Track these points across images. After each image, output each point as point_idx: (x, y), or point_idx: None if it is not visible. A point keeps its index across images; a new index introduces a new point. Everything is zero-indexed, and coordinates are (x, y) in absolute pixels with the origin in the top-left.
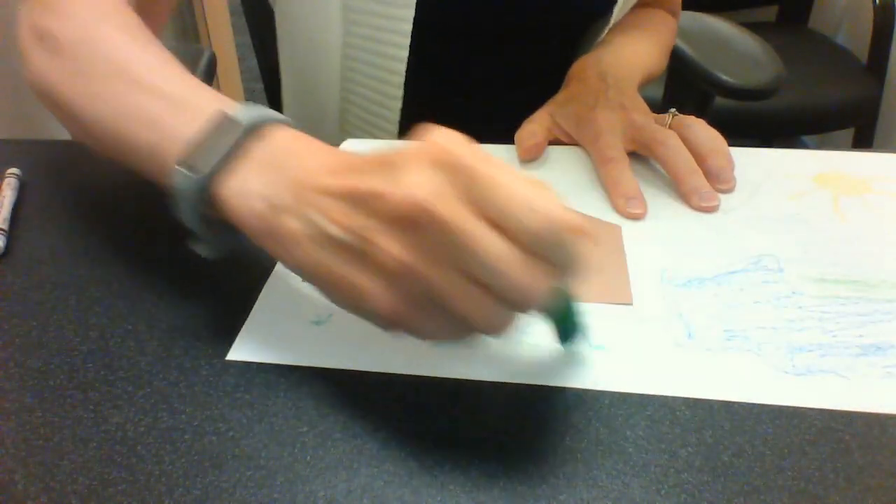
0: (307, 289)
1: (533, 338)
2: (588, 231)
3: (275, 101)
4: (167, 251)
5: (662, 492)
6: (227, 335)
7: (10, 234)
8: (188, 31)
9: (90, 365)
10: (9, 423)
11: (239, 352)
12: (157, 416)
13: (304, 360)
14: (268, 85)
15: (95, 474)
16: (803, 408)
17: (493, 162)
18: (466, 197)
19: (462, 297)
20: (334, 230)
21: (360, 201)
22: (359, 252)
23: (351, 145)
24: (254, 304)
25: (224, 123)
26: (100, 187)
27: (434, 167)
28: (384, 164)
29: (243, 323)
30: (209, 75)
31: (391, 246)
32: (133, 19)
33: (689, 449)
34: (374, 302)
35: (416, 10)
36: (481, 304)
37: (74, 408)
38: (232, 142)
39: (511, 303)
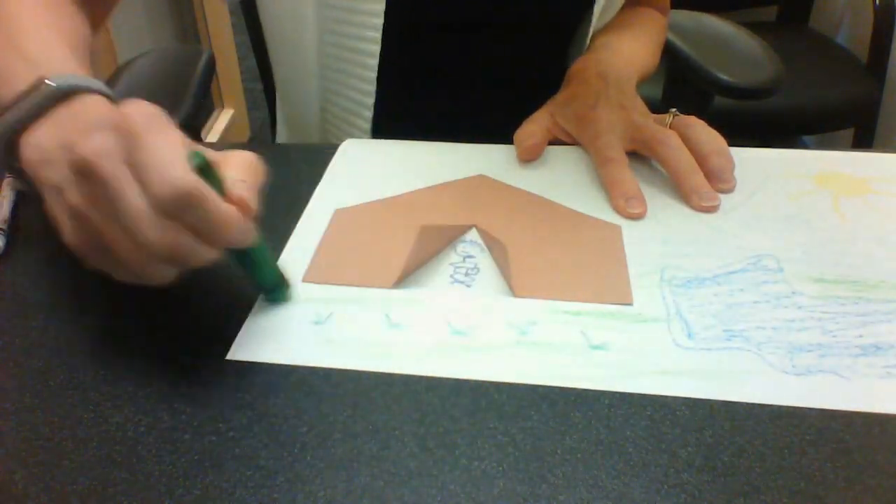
0: (307, 289)
1: (533, 338)
2: (240, 201)
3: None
4: None
5: (662, 492)
6: (227, 335)
7: (10, 234)
8: (188, 31)
9: (90, 365)
10: (9, 423)
11: (238, 352)
12: (157, 416)
13: (304, 359)
14: (267, 85)
15: (95, 474)
16: (803, 408)
17: (163, 132)
18: (128, 159)
19: (116, 243)
20: (53, 178)
21: (66, 154)
22: (62, 196)
23: (351, 146)
24: (254, 303)
25: (37, 85)
26: None
27: (113, 129)
28: (97, 127)
29: (243, 323)
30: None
31: (70, 192)
32: None
33: (689, 449)
34: (67, 237)
35: (387, 4)
36: (131, 251)
37: (74, 408)
38: (36, 101)
39: (148, 253)
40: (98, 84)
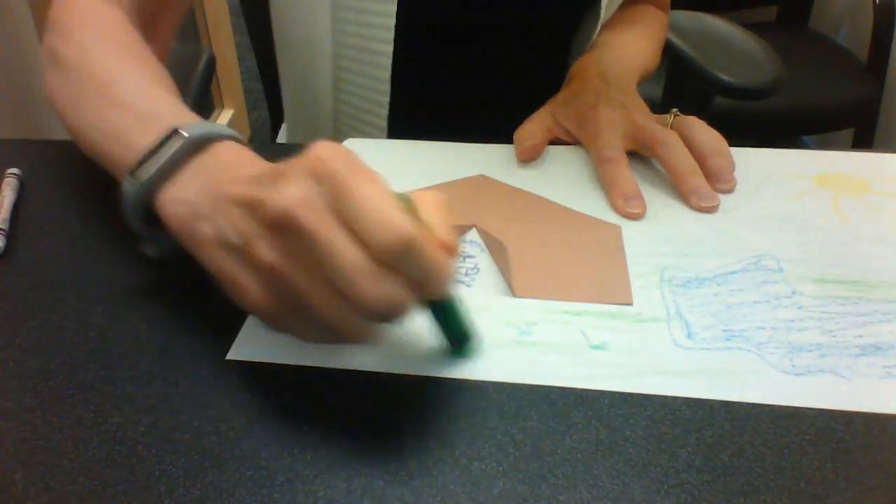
0: None
1: (532, 338)
2: (448, 247)
3: (274, 101)
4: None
5: (662, 492)
6: (228, 335)
7: (10, 234)
8: (188, 31)
9: (90, 365)
10: (9, 423)
11: (238, 351)
12: (157, 416)
13: (303, 360)
14: (267, 85)
15: (95, 474)
16: (803, 408)
17: (365, 175)
18: (333, 207)
19: (320, 302)
20: (229, 233)
21: (249, 208)
22: (246, 255)
23: (351, 145)
24: None
25: (171, 137)
26: (100, 187)
27: (309, 178)
28: (274, 174)
29: (243, 323)
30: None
31: (263, 249)
32: (129, 38)
33: (689, 449)
34: (251, 298)
35: (401, 5)
36: (338, 309)
37: (74, 408)
38: (173, 153)
39: (364, 310)
40: (229, 130)
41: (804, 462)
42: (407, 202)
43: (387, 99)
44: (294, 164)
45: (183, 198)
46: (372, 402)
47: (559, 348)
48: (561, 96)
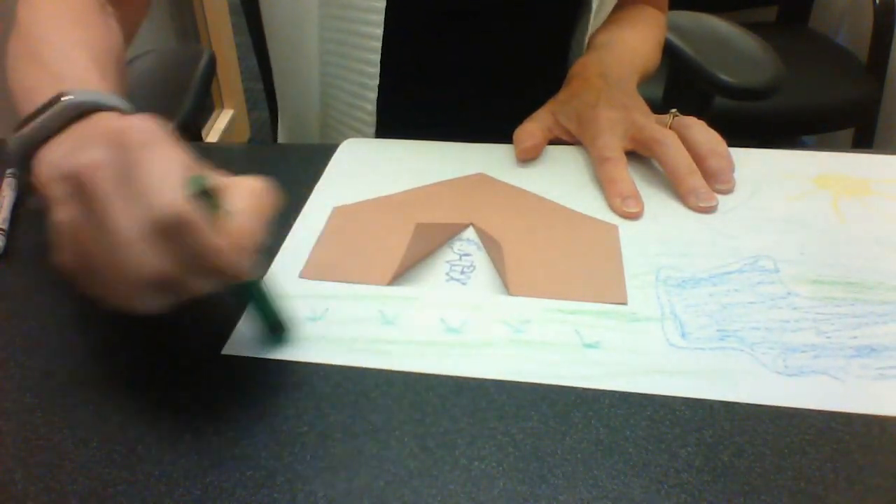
0: (304, 285)
1: (526, 336)
2: (241, 234)
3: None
4: None
5: (662, 492)
6: (228, 335)
7: (10, 234)
8: (188, 31)
9: (90, 365)
10: (9, 423)
11: (234, 347)
12: (157, 416)
13: (300, 355)
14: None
15: (95, 474)
16: (803, 408)
17: (162, 150)
18: (123, 175)
19: (104, 265)
20: (56, 194)
21: (58, 169)
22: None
23: (350, 145)
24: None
25: (55, 101)
26: None
27: (108, 144)
28: (91, 140)
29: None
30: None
31: (59, 207)
32: (81, 2)
33: (689, 449)
34: (58, 254)
35: None
36: (117, 274)
37: (74, 408)
38: (50, 116)
39: (130, 275)
40: (117, 100)
41: (804, 462)
42: (199, 183)
43: (375, 94)
44: (105, 132)
45: (49, 160)
46: (372, 402)
47: (553, 347)
48: (561, 96)
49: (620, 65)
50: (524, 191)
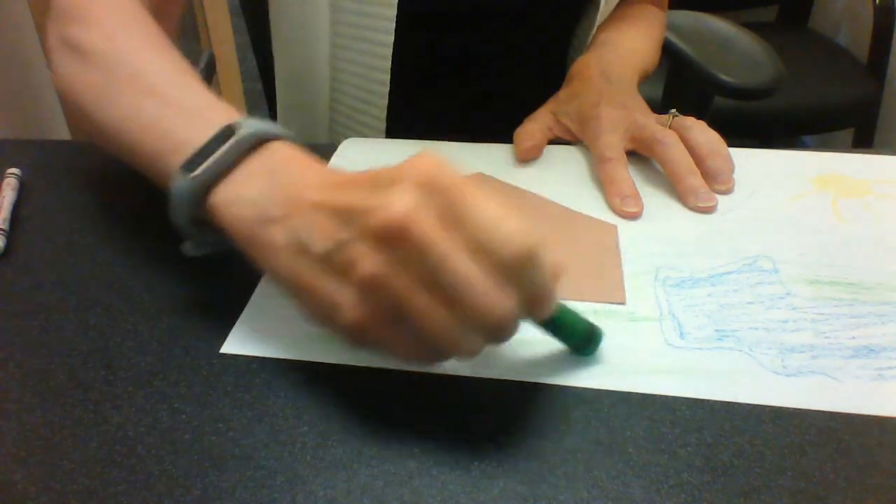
0: None
1: (524, 335)
2: (557, 262)
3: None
4: (167, 251)
5: (662, 492)
6: (226, 332)
7: (10, 234)
8: (188, 31)
9: (90, 365)
10: (9, 423)
11: (233, 345)
12: (157, 416)
13: (298, 354)
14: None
15: (95, 474)
16: (802, 408)
17: (473, 186)
18: (445, 218)
19: (429, 315)
20: (316, 242)
21: (346, 216)
22: (336, 264)
23: (352, 145)
24: (249, 298)
25: (226, 133)
26: (100, 187)
27: (417, 187)
28: (373, 182)
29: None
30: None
31: (366, 259)
32: (151, 25)
33: (689, 449)
34: (343, 312)
35: (399, 2)
36: (447, 323)
37: (74, 408)
38: (228, 150)
39: (477, 322)
40: (281, 129)
41: (804, 462)
42: None
43: (385, 100)
44: (394, 172)
45: (247, 198)
46: (372, 402)
47: (551, 346)
48: (562, 95)
49: (621, 64)
50: (524, 190)
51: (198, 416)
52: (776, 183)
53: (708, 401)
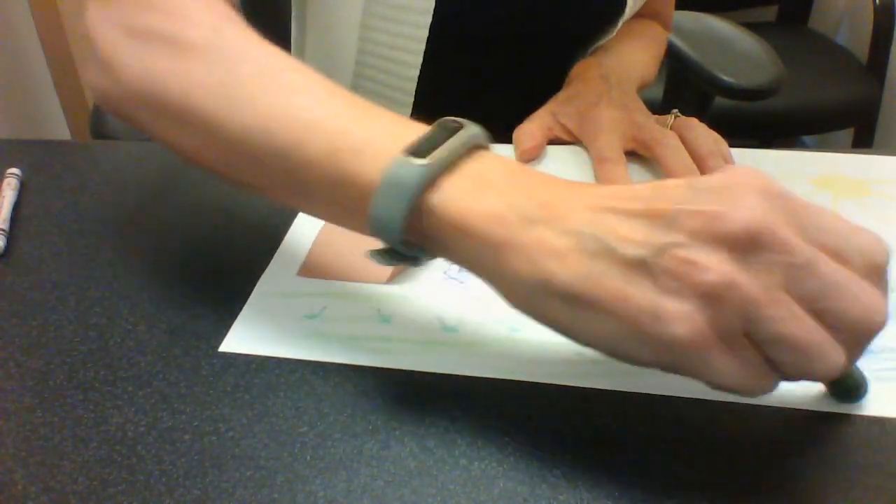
0: (302, 283)
1: (523, 334)
2: None
3: None
4: (167, 251)
5: (662, 492)
6: (226, 331)
7: (10, 234)
8: None
9: (90, 365)
10: (9, 423)
11: (231, 344)
12: (157, 416)
13: (297, 353)
14: None
15: (95, 474)
16: (801, 408)
17: (792, 193)
18: (792, 224)
19: (794, 323)
20: (623, 246)
21: (664, 220)
22: (660, 271)
23: None
24: (248, 297)
25: (452, 126)
26: (100, 187)
27: (762, 194)
28: (691, 188)
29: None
30: None
31: (712, 263)
32: (236, 15)
33: (689, 449)
34: (671, 325)
35: (436, 14)
36: (815, 332)
37: (74, 408)
38: (464, 142)
39: (848, 330)
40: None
41: (804, 462)
42: None
43: (408, 111)
44: (715, 181)
45: (491, 195)
46: (372, 402)
47: (549, 346)
48: (562, 96)
49: (621, 69)
50: None
51: (198, 416)
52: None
53: (708, 401)
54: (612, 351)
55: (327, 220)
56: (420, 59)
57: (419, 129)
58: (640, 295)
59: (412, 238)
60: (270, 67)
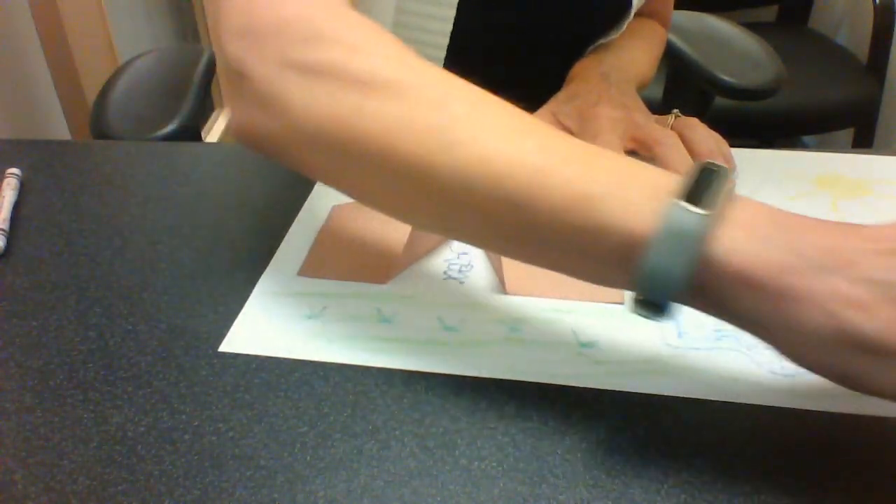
0: (302, 283)
1: (522, 335)
2: None
3: None
4: (167, 251)
5: (662, 492)
6: (225, 331)
7: (10, 234)
8: (188, 31)
9: (90, 365)
10: (9, 423)
11: (231, 344)
12: (157, 416)
13: (297, 353)
14: None
15: (95, 474)
16: (800, 408)
17: None
18: None
19: None
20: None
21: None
22: None
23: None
24: (248, 297)
25: (713, 169)
26: (100, 187)
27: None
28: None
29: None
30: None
31: None
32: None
33: (689, 449)
34: None
35: (457, 18)
36: None
37: (74, 408)
38: (731, 187)
39: None
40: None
41: (804, 462)
42: None
43: None
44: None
45: (767, 244)
46: (372, 402)
47: (549, 346)
48: (562, 95)
49: (620, 68)
50: None
51: (198, 416)
52: (776, 183)
53: (707, 401)
54: None
55: (564, 270)
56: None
57: (666, 176)
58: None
59: (686, 292)
60: (484, 108)
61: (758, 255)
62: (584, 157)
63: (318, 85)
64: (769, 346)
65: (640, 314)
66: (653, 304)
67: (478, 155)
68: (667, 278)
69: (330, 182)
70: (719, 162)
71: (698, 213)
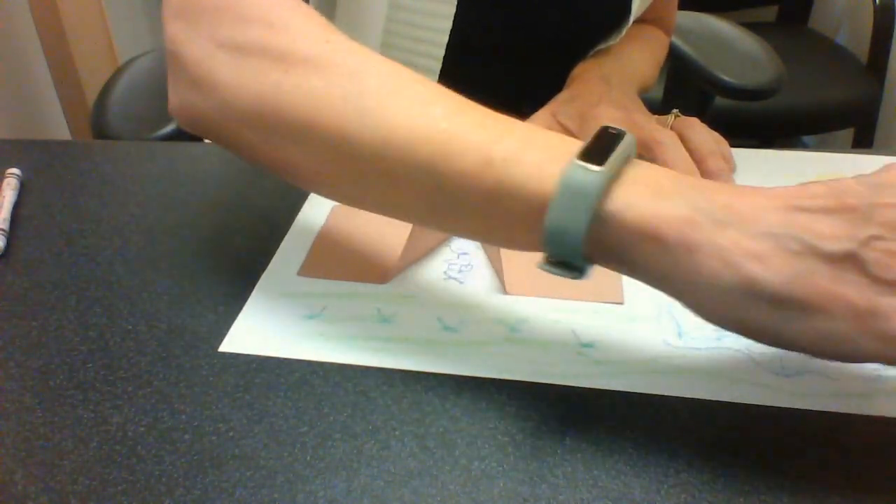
0: (302, 283)
1: (522, 335)
2: None
3: None
4: (167, 251)
5: (662, 492)
6: (226, 331)
7: (10, 234)
8: None
9: (90, 365)
10: (9, 423)
11: (231, 344)
12: (157, 416)
13: (297, 353)
14: None
15: (95, 474)
16: (801, 408)
17: None
18: None
19: None
20: (829, 243)
21: (856, 216)
22: (866, 264)
23: None
24: (248, 297)
25: (612, 132)
26: (100, 187)
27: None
28: (875, 185)
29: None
30: None
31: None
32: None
33: (689, 449)
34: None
35: (455, 23)
36: None
37: (74, 408)
38: (629, 147)
39: None
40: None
41: (804, 462)
42: None
43: None
44: (886, 177)
45: (667, 199)
46: (372, 402)
47: (549, 346)
48: (562, 97)
49: (621, 71)
50: None
51: (198, 416)
52: (776, 183)
53: (708, 401)
54: (825, 351)
55: (476, 235)
56: (439, 66)
57: (569, 140)
58: (854, 291)
59: (589, 249)
60: (396, 79)
61: (657, 210)
62: (490, 123)
63: (244, 63)
64: (677, 301)
65: (552, 272)
66: (565, 264)
67: (388, 122)
68: (567, 235)
69: (261, 161)
70: (719, 162)
71: (594, 171)
